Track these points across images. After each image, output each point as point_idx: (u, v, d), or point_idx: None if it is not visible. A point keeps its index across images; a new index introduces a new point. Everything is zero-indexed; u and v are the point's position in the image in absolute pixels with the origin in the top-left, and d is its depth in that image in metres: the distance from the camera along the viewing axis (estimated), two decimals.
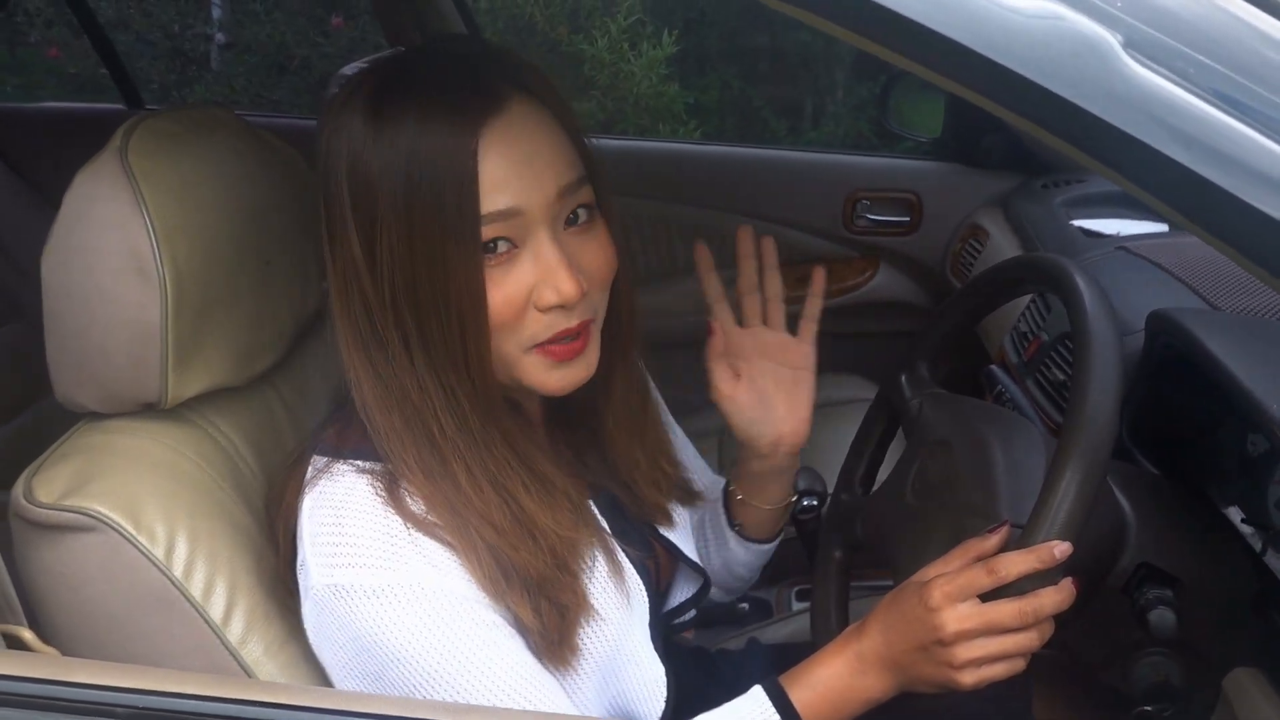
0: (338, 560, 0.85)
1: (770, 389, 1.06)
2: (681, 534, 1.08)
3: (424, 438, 0.87)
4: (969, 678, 0.85)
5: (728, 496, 1.16)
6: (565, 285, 0.84)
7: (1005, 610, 0.84)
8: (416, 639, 0.84)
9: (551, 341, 0.88)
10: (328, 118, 0.86)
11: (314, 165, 0.89)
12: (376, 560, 0.84)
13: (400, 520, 0.86)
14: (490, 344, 0.86)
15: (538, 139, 0.84)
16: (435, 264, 0.82)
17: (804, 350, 1.07)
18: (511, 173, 0.82)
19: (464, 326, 0.84)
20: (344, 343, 0.88)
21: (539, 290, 0.85)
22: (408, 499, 0.87)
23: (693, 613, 1.11)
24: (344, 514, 0.86)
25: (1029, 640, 0.85)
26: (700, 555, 1.12)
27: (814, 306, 1.06)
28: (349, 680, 0.88)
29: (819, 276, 1.06)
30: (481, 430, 0.88)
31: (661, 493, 1.05)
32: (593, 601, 0.92)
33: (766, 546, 1.17)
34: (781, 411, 1.06)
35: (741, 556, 1.17)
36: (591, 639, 0.92)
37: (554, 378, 0.89)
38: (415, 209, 0.82)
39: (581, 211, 0.88)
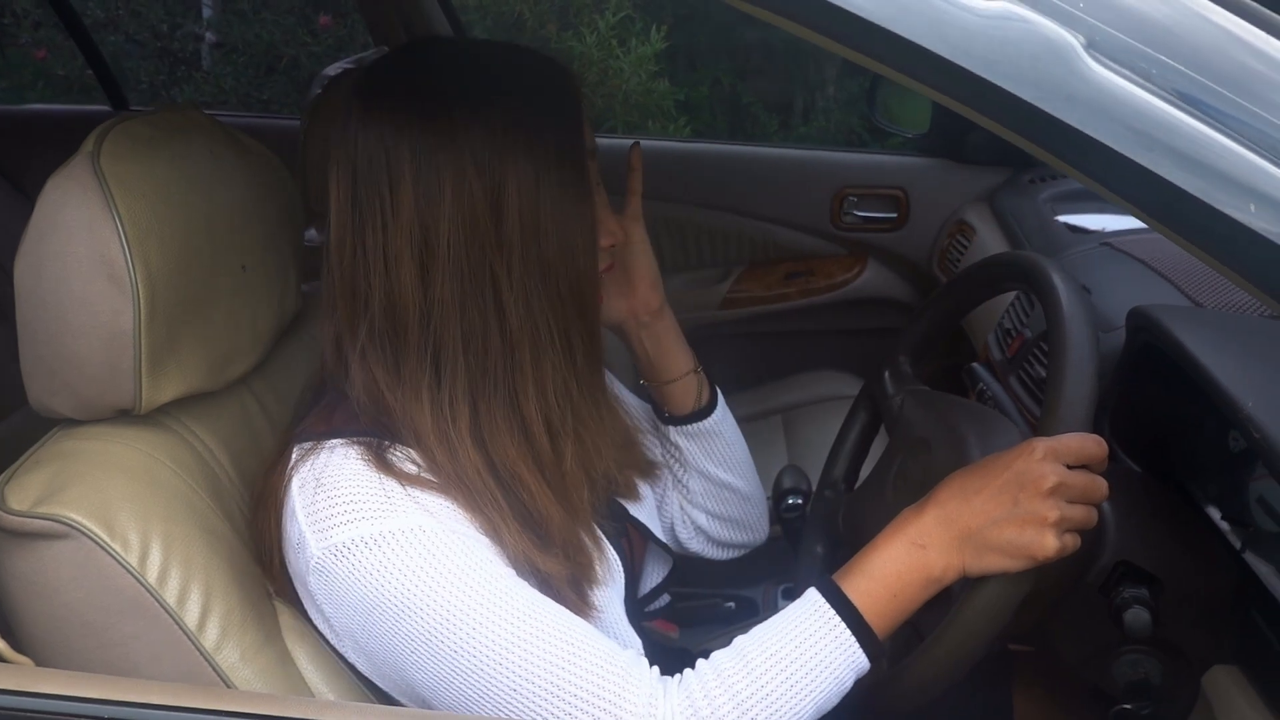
0: (334, 520, 0.85)
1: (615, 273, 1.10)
2: (648, 512, 1.11)
3: (503, 390, 0.90)
4: (1056, 540, 0.84)
5: (653, 401, 1.18)
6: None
7: (1091, 479, 0.86)
8: (424, 582, 0.83)
9: None
10: (375, 104, 0.89)
11: (345, 135, 0.90)
12: (372, 511, 0.85)
13: (395, 480, 0.87)
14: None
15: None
16: (557, 199, 0.88)
17: (627, 226, 1.08)
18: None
19: (583, 256, 0.90)
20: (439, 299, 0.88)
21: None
22: (399, 464, 0.88)
23: (666, 598, 1.12)
24: (337, 479, 0.87)
25: (1092, 517, 0.87)
26: (680, 515, 1.18)
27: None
28: (369, 659, 0.89)
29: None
30: (588, 372, 0.93)
31: (623, 468, 1.07)
32: (597, 568, 0.94)
33: (706, 423, 1.16)
34: (623, 287, 1.10)
35: (697, 454, 1.17)
36: (600, 598, 0.94)
37: None
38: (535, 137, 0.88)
39: None
